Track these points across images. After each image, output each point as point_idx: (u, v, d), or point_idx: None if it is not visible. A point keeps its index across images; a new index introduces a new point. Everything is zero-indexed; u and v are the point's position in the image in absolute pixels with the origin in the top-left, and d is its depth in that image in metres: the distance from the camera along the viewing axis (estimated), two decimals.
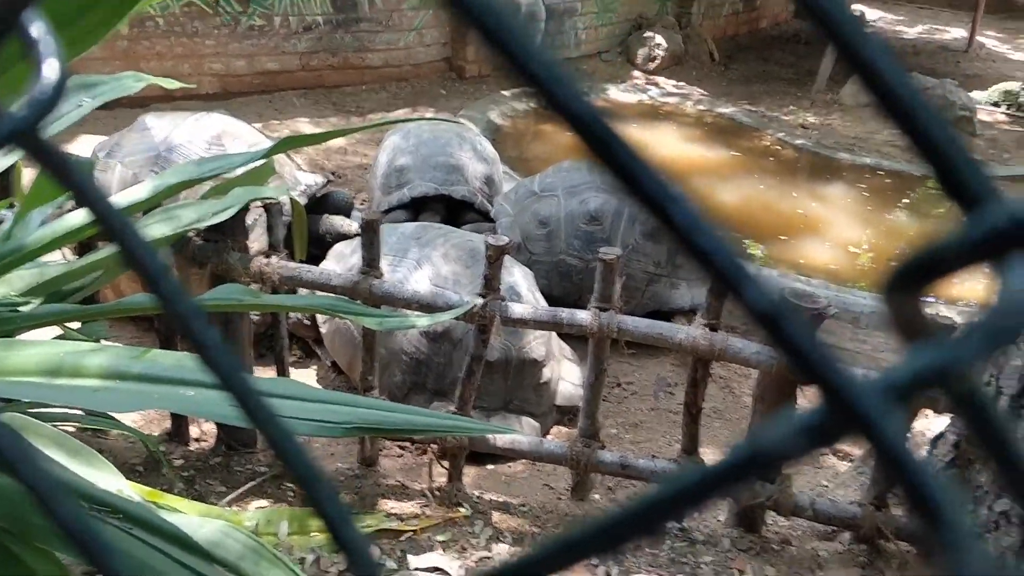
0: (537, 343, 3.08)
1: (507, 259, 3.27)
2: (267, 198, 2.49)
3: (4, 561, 1.18)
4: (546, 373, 3.14)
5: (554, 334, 3.30)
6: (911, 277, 0.21)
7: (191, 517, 1.43)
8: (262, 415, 0.33)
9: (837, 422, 0.19)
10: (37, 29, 0.29)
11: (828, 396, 0.20)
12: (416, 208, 4.24)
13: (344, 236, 3.83)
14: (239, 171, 2.05)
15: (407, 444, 3.01)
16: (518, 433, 2.78)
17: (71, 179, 0.31)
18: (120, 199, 1.84)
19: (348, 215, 4.05)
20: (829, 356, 0.20)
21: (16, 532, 1.18)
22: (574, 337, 2.90)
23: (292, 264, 2.49)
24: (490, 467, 2.97)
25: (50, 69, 0.29)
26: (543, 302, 3.18)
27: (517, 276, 3.18)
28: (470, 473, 2.74)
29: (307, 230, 2.53)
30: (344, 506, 0.32)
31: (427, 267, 3.16)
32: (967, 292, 4.51)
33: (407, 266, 3.18)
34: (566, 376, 3.30)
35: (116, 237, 0.33)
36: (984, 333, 0.20)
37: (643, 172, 0.20)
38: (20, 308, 1.63)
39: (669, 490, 0.22)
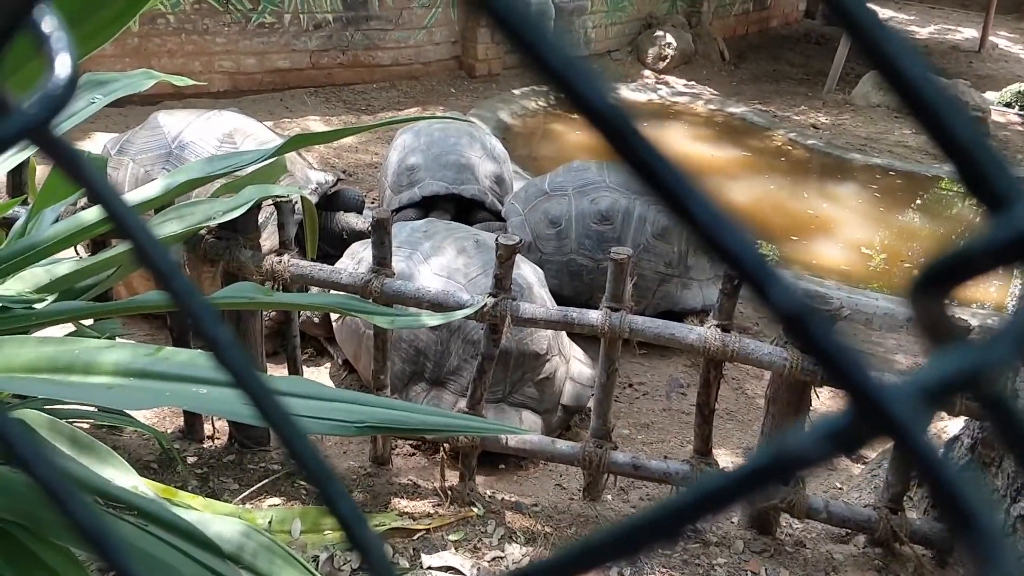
0: (539, 336, 3.07)
1: (518, 257, 3.27)
2: (278, 196, 2.49)
3: (21, 558, 1.19)
4: (548, 368, 3.13)
5: (563, 333, 3.29)
6: (938, 279, 0.21)
7: (205, 514, 1.43)
8: (276, 414, 0.33)
9: (865, 427, 0.19)
10: (49, 24, 0.28)
11: (856, 400, 0.19)
12: (426, 207, 4.25)
13: (361, 234, 3.83)
14: (250, 169, 2.05)
15: (420, 443, 3.01)
16: (530, 432, 2.77)
17: (83, 175, 0.31)
18: (132, 197, 1.85)
19: (359, 213, 4.06)
20: (857, 359, 0.19)
21: (33, 528, 1.18)
22: (586, 337, 2.89)
23: (303, 262, 2.49)
24: (502, 467, 2.97)
25: (62, 65, 0.28)
26: (551, 301, 3.17)
27: (526, 271, 3.18)
28: (482, 472, 2.74)
29: (318, 228, 2.53)
30: (357, 506, 0.32)
31: (436, 259, 3.16)
32: (980, 294, 4.49)
33: (417, 258, 3.18)
34: (575, 376, 3.28)
35: (128, 234, 0.32)
36: (1014, 336, 0.19)
37: (665, 169, 0.19)
38: (34, 305, 1.63)
39: (692, 495, 0.21)
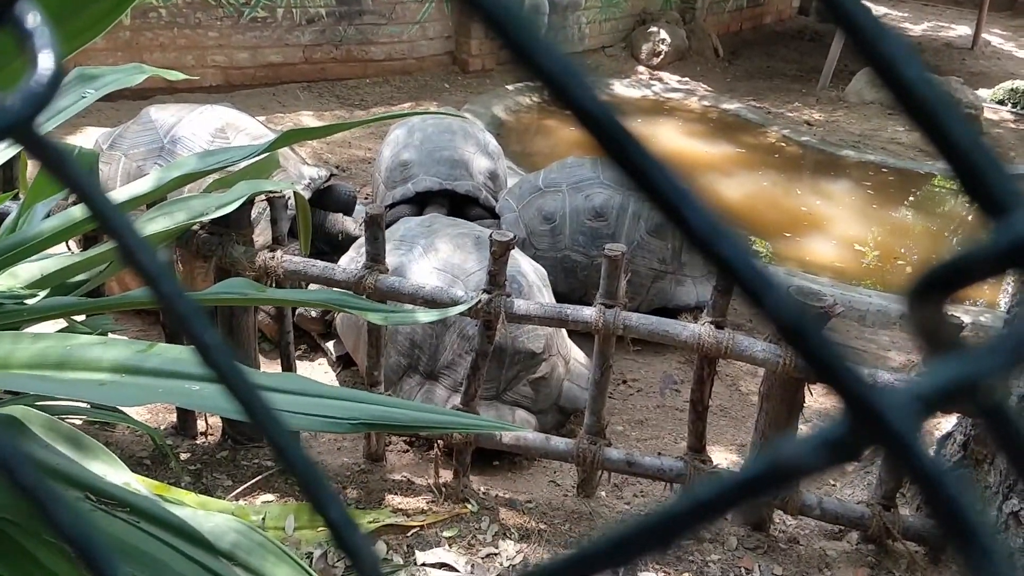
0: (534, 335, 3.06)
1: (518, 254, 3.27)
2: (271, 191, 2.49)
3: (16, 556, 1.18)
4: (544, 368, 3.11)
5: (565, 335, 3.29)
6: (936, 285, 0.20)
7: (198, 511, 1.43)
8: (263, 418, 0.32)
9: (861, 436, 0.19)
10: (32, 20, 0.28)
11: (853, 409, 0.19)
12: (420, 203, 4.23)
13: (357, 239, 3.82)
14: (243, 164, 2.04)
15: (414, 440, 3.00)
16: (525, 429, 2.77)
17: (67, 174, 0.30)
18: (124, 192, 1.84)
19: (351, 209, 4.05)
20: (854, 368, 0.19)
21: (28, 527, 1.18)
22: (580, 334, 2.89)
23: (296, 258, 2.48)
24: (496, 464, 2.97)
25: (45, 61, 0.28)
26: (552, 300, 3.16)
27: (527, 269, 3.17)
28: (476, 469, 2.74)
29: (311, 224, 2.53)
30: (345, 508, 0.32)
31: (436, 254, 3.16)
32: (973, 291, 4.50)
33: (417, 253, 3.18)
34: (574, 378, 3.26)
35: (114, 234, 0.32)
36: (1012, 344, 0.19)
37: (659, 175, 0.19)
38: (26, 301, 1.63)
39: (685, 504, 0.21)
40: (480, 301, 2.35)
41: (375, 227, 2.45)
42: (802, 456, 0.19)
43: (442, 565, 2.21)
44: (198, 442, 2.71)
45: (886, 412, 0.18)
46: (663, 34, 8.44)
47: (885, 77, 0.21)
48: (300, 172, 3.79)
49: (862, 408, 0.19)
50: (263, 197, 2.74)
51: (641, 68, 8.41)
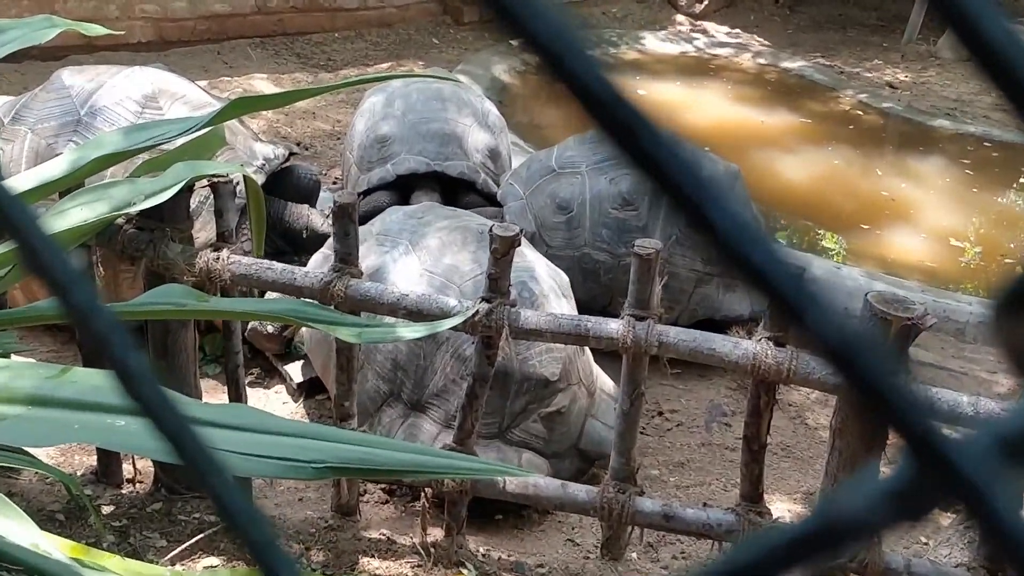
0: (549, 357, 3.03)
1: (533, 254, 3.27)
2: (215, 175, 2.50)
3: None
4: (560, 399, 3.07)
5: (590, 358, 3.26)
6: None
7: None
8: (198, 460, 0.33)
9: (931, 486, 0.19)
10: None
11: (919, 453, 0.19)
12: (403, 188, 4.24)
13: (325, 237, 3.82)
14: (180, 141, 2.05)
15: (395, 488, 3.00)
16: (534, 474, 2.77)
17: None
18: (31, 177, 1.85)
19: (315, 196, 4.06)
20: (920, 403, 0.19)
21: None
22: (604, 353, 2.88)
23: (247, 259, 2.49)
24: (499, 518, 2.97)
25: None
26: (568, 311, 3.16)
27: (541, 273, 3.16)
28: (474, 525, 2.74)
29: (267, 216, 2.53)
30: (296, 563, 0.32)
31: (427, 253, 3.15)
32: None
33: (403, 250, 3.18)
34: (599, 414, 3.22)
35: (13, 230, 0.32)
36: None
37: (675, 162, 0.19)
38: None
39: (723, 567, 0.21)
40: (478, 312, 2.35)
41: (346, 219, 2.45)
42: (859, 510, 0.19)
43: None
44: (124, 492, 2.71)
45: (958, 458, 0.18)
46: None
47: (962, 34, 0.21)
48: (251, 150, 3.81)
49: (929, 453, 0.19)
50: (205, 182, 2.75)
51: (681, 17, 8.41)
